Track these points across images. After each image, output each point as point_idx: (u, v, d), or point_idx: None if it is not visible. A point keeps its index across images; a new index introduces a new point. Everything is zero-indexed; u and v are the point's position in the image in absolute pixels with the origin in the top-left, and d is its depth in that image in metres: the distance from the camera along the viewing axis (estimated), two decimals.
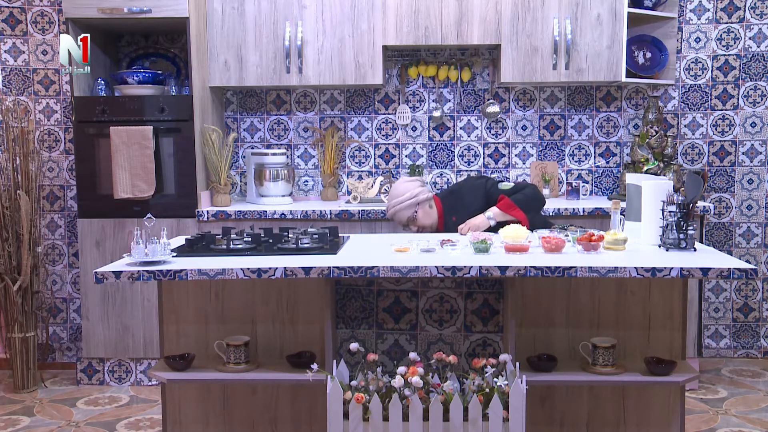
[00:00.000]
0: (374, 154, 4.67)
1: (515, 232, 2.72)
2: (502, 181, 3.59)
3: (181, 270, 2.47)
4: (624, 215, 2.99)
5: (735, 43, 4.53)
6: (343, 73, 4.25)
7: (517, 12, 4.17)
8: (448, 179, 4.64)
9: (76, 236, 4.59)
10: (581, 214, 4.07)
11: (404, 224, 3.57)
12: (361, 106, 4.64)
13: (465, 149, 4.64)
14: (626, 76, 4.23)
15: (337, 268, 2.47)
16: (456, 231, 3.35)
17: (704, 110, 4.59)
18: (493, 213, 3.35)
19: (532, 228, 3.10)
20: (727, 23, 4.52)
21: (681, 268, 2.41)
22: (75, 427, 3.71)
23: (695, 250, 2.69)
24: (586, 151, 4.64)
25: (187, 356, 2.75)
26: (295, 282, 2.81)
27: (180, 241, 3.06)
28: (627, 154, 4.60)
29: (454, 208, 3.54)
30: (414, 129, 4.64)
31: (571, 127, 4.62)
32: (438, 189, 4.63)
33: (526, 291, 2.77)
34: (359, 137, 4.66)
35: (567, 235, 2.82)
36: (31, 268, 4.21)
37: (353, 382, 2.50)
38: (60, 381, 4.42)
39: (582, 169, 4.65)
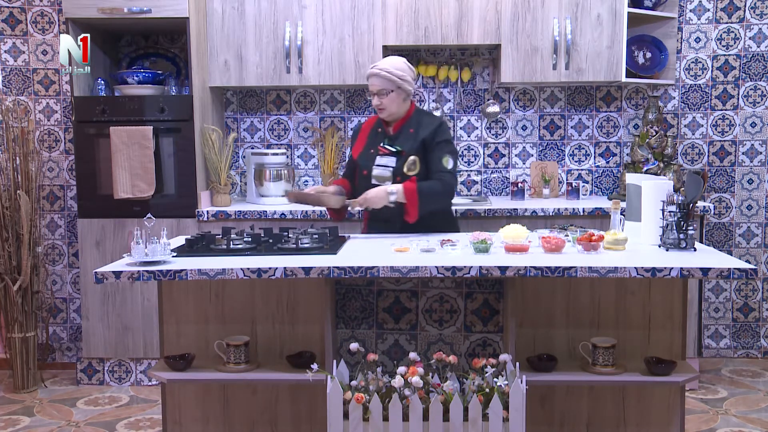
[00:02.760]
0: None
1: (515, 232, 2.72)
2: (448, 154, 3.20)
3: (181, 270, 2.47)
4: (624, 215, 2.99)
5: (735, 43, 4.53)
6: (343, 73, 4.25)
7: (517, 12, 4.17)
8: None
9: (76, 236, 4.59)
10: (581, 214, 4.06)
11: (373, 90, 3.21)
12: (361, 106, 4.64)
13: (465, 149, 4.64)
14: (626, 76, 4.23)
15: (337, 268, 2.47)
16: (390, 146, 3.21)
17: (704, 110, 4.59)
18: (397, 193, 3.10)
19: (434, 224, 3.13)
20: (727, 23, 4.52)
21: (681, 268, 2.41)
22: (75, 427, 3.71)
23: (695, 250, 2.69)
24: (586, 151, 4.63)
25: (187, 356, 2.74)
26: (295, 282, 2.81)
27: (180, 241, 3.06)
28: (627, 154, 4.59)
29: (413, 126, 3.24)
30: None
31: (571, 127, 4.62)
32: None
33: (526, 291, 2.77)
34: None
35: (567, 235, 2.82)
36: (31, 268, 4.21)
37: (353, 382, 2.50)
38: (60, 381, 4.42)
39: (582, 169, 4.65)
